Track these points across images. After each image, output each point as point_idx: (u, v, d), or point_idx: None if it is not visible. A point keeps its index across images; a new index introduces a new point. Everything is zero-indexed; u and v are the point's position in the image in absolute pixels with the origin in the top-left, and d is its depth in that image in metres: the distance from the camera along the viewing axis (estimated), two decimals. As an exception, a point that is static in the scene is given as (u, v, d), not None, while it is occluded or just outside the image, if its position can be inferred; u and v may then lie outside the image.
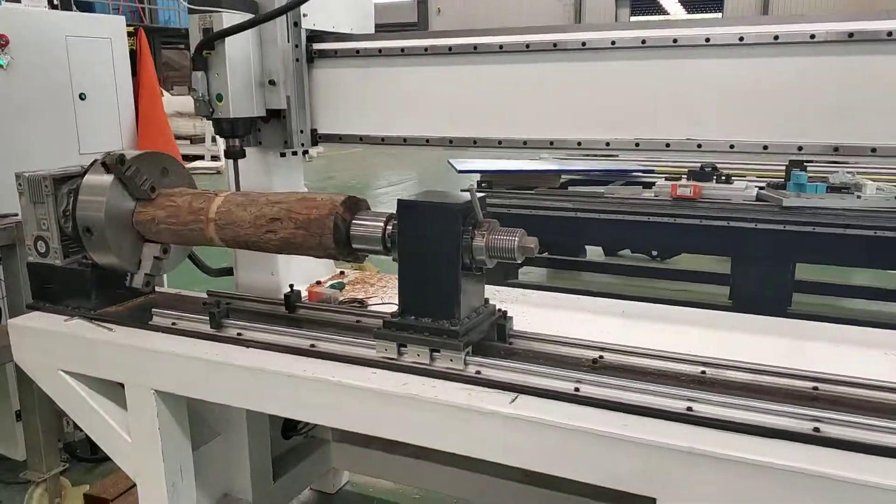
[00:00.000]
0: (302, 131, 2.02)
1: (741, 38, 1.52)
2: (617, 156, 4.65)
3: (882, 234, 3.64)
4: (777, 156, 1.57)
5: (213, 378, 1.74)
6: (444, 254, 1.56)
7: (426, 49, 1.83)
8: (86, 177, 1.97)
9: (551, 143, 1.73)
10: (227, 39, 1.80)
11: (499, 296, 2.17)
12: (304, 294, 2.15)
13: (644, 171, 4.75)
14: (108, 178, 1.91)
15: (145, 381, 1.85)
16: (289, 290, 1.98)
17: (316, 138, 2.06)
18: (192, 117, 13.12)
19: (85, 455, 2.93)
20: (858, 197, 3.80)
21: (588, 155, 4.92)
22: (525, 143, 1.77)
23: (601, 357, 1.65)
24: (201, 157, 12.90)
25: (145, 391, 1.86)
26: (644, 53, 1.60)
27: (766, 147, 1.56)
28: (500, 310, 1.77)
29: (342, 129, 2.04)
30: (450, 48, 1.80)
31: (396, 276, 1.63)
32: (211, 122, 1.93)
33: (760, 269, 3.87)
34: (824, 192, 3.83)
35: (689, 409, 1.39)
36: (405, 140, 1.93)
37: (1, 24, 2.33)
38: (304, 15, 1.94)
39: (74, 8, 3.08)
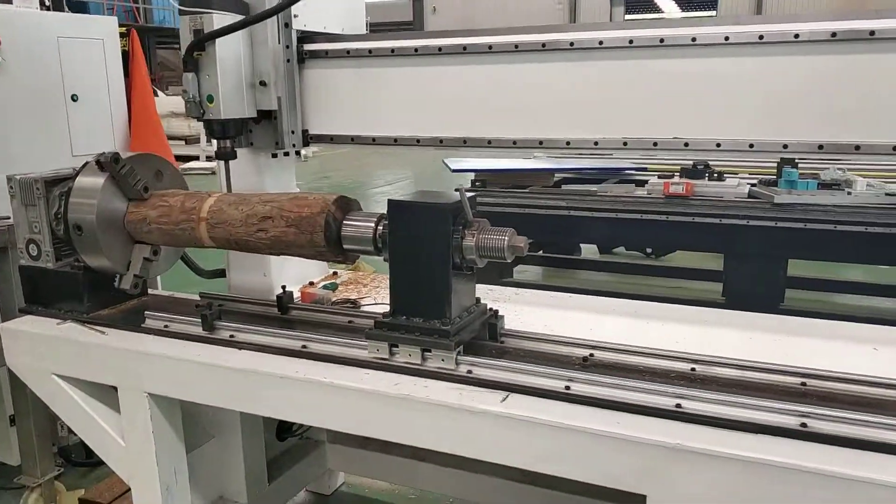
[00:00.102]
0: (293, 132, 2.03)
1: (727, 38, 1.53)
2: (611, 154, 4.67)
3: (872, 230, 3.67)
4: (763, 154, 1.58)
5: (206, 380, 1.74)
6: (435, 254, 1.56)
7: (416, 49, 1.84)
8: (77, 179, 1.97)
9: (540, 142, 1.74)
10: (217, 41, 1.81)
11: (491, 294, 2.19)
12: (297, 295, 2.15)
13: (637, 169, 4.78)
14: (99, 180, 1.91)
15: (138, 385, 1.85)
16: (281, 291, 1.98)
17: (307, 139, 2.07)
18: (187, 118, 13.08)
19: (80, 459, 2.93)
20: (849, 193, 3.84)
21: (580, 155, 4.94)
22: (515, 142, 1.78)
23: (592, 355, 1.66)
24: (196, 158, 12.89)
25: (138, 394, 1.86)
26: (631, 53, 1.61)
27: (751, 145, 1.58)
28: (491, 309, 1.78)
29: (333, 130, 2.05)
30: (440, 48, 1.80)
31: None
32: (202, 123, 1.93)
33: (753, 266, 3.89)
34: (815, 188, 3.86)
35: (679, 405, 1.40)
36: (396, 140, 1.94)
37: (-8, 25, 2.33)
38: (295, 16, 1.94)
39: (67, 9, 3.06)
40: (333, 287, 2.27)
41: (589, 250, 5.99)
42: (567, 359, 1.66)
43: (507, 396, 1.49)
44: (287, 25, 1.94)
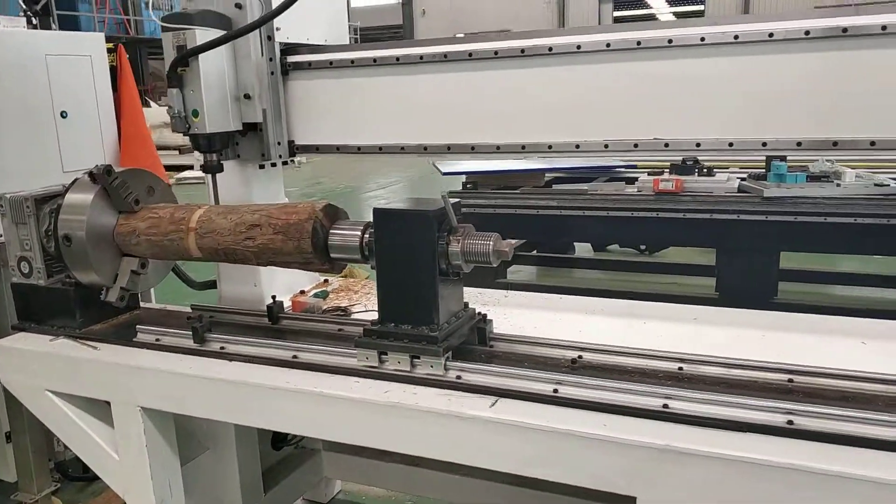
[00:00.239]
0: (279, 143, 2.04)
1: (702, 39, 1.55)
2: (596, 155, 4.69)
3: (862, 220, 3.69)
4: (742, 152, 1.59)
5: (197, 393, 1.75)
6: (421, 260, 1.58)
7: (398, 59, 1.85)
8: (67, 195, 1.98)
9: (523, 147, 1.76)
10: (200, 56, 1.82)
11: (481, 298, 2.19)
12: (288, 304, 2.16)
13: (627, 167, 4.79)
14: (88, 196, 1.92)
15: (131, 399, 1.86)
16: (271, 301, 1.99)
17: (293, 150, 2.08)
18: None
19: (77, 474, 2.93)
20: (838, 185, 3.85)
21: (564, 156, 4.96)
22: (498, 147, 1.79)
23: (580, 357, 1.67)
24: (190, 167, 12.87)
25: (131, 408, 1.86)
26: (609, 56, 1.62)
27: (731, 144, 1.59)
28: (479, 313, 1.79)
29: (319, 140, 2.06)
30: (421, 57, 1.82)
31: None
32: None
33: (745, 260, 3.91)
34: (804, 181, 3.88)
35: (666, 406, 1.41)
36: (381, 149, 1.95)
37: (-21, 46, 2.35)
38: (278, 29, 1.95)
39: (56, 23, 3.07)
40: (324, 295, 2.28)
41: (583, 248, 6.01)
42: (556, 361, 1.67)
43: (496, 401, 1.50)
44: (270, 38, 1.96)
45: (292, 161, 2.17)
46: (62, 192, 1.99)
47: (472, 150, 1.82)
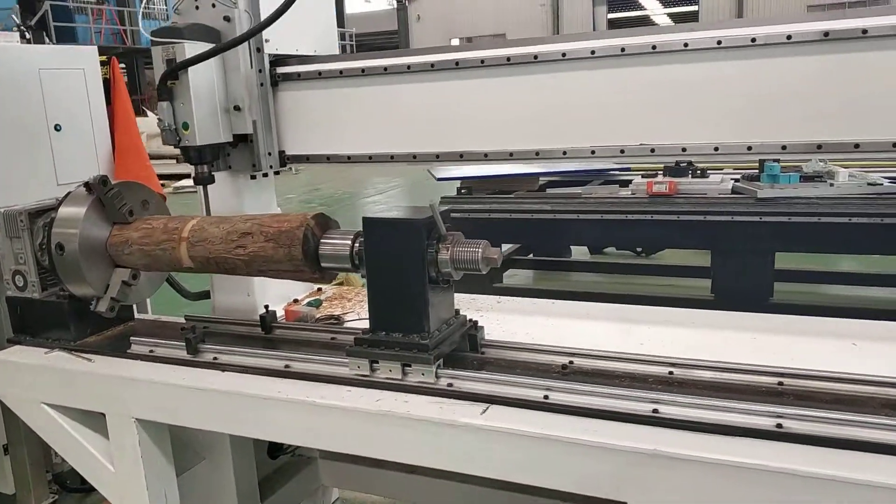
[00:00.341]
0: (270, 153, 2.05)
1: (686, 45, 1.56)
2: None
3: (856, 220, 3.70)
4: (728, 156, 1.61)
5: (191, 404, 1.76)
6: (411, 268, 1.58)
7: (385, 68, 1.87)
8: (60, 209, 1.99)
9: (511, 154, 1.77)
10: (190, 69, 1.84)
11: (474, 304, 2.21)
12: (281, 313, 2.17)
13: (621, 170, 4.81)
14: (81, 210, 1.93)
15: (125, 410, 1.86)
16: (264, 310, 2.00)
17: (284, 160, 2.09)
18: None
19: (75, 486, 2.93)
20: (831, 185, 3.87)
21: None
22: (486, 154, 1.81)
23: (571, 362, 1.67)
24: (188, 176, 12.87)
25: (126, 420, 1.87)
26: (594, 63, 1.64)
27: (716, 148, 1.61)
28: (471, 320, 1.79)
29: (309, 150, 2.07)
30: (408, 67, 1.83)
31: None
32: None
33: (740, 262, 3.93)
34: (798, 181, 3.90)
35: (655, 411, 1.41)
36: (370, 158, 1.97)
37: (-27, 62, 2.36)
38: (267, 40, 1.97)
39: (48, 40, 3.09)
40: (317, 304, 2.29)
41: (579, 251, 6.02)
42: (547, 367, 1.67)
43: (487, 408, 1.50)
44: (259, 50, 1.97)
45: (289, 168, 2.18)
46: (55, 205, 2.00)
47: (461, 157, 1.83)
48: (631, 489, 1.35)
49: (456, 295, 1.91)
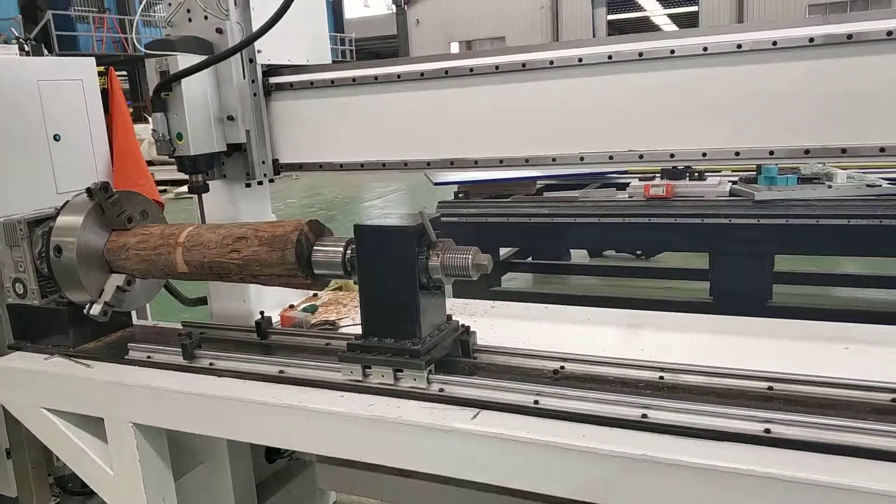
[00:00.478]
0: (264, 162, 2.08)
1: (672, 52, 1.57)
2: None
3: (855, 222, 3.70)
4: (716, 162, 1.62)
5: (187, 408, 1.78)
6: (402, 275, 1.60)
7: (376, 77, 1.89)
8: (58, 217, 2.02)
9: (501, 161, 1.79)
10: (183, 80, 1.86)
11: (468, 309, 2.22)
12: (277, 319, 2.19)
13: (619, 173, 4.82)
14: (79, 218, 1.96)
15: (123, 415, 1.89)
16: (260, 316, 2.02)
17: (278, 168, 2.12)
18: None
19: (76, 489, 2.95)
20: (829, 187, 3.87)
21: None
22: (476, 161, 1.82)
23: (562, 367, 1.69)
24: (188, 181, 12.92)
25: (124, 424, 1.89)
26: (582, 71, 1.66)
27: (704, 154, 1.62)
28: (463, 325, 1.81)
29: (303, 158, 2.10)
30: (398, 76, 1.85)
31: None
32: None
33: (738, 264, 3.93)
34: (795, 183, 3.90)
35: (645, 416, 1.42)
36: (363, 165, 1.99)
37: (-28, 74, 2.40)
38: (259, 51, 1.99)
39: (52, 49, 3.13)
40: (313, 309, 2.30)
41: (579, 254, 6.03)
42: (538, 372, 1.68)
43: (478, 413, 1.52)
44: (251, 61, 2.00)
45: (291, 174, 2.20)
46: (54, 214, 2.03)
47: (452, 164, 1.85)
48: (619, 494, 1.36)
49: (449, 300, 1.94)
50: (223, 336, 2.07)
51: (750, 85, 1.55)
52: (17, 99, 2.53)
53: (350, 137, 1.99)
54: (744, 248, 3.85)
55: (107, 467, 1.98)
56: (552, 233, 4.06)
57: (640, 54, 1.60)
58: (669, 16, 27.14)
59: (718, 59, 1.56)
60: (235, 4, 1.93)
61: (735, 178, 4.22)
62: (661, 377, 1.61)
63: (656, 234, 3.91)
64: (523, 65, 1.70)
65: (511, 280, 5.43)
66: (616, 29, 26.04)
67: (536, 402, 1.51)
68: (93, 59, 2.76)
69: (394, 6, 27.54)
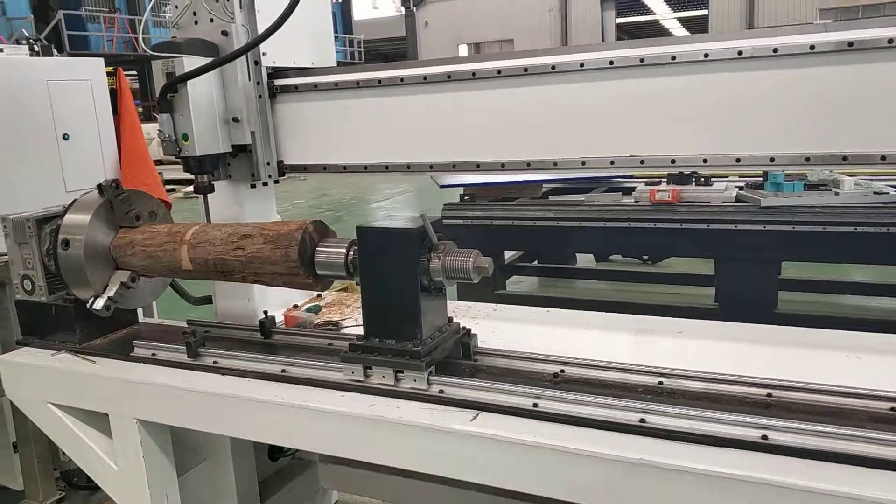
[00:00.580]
0: (268, 163, 2.10)
1: (673, 58, 1.58)
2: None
3: (862, 229, 3.68)
4: (717, 168, 1.63)
5: (190, 406, 1.80)
6: (404, 277, 1.61)
7: (380, 81, 1.91)
8: (66, 216, 2.05)
9: (503, 165, 1.80)
10: (189, 82, 1.89)
11: (470, 312, 2.23)
12: (281, 319, 2.21)
13: (624, 177, 4.81)
14: (86, 217, 1.99)
15: (127, 411, 1.91)
16: (263, 316, 2.04)
17: (283, 169, 2.14)
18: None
19: (82, 483, 2.99)
20: (836, 193, 3.85)
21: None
22: (478, 165, 1.84)
23: (563, 371, 1.69)
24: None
25: (128, 420, 1.92)
26: (584, 76, 1.67)
27: (705, 160, 1.62)
28: (464, 328, 1.82)
29: (307, 160, 2.12)
30: (402, 79, 1.87)
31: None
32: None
33: (743, 271, 3.91)
34: (802, 190, 3.88)
35: (643, 420, 1.43)
36: (366, 168, 2.01)
37: (-17, 74, 2.44)
38: (264, 53, 2.02)
39: (63, 48, 3.17)
40: (317, 310, 2.32)
41: (585, 258, 6.02)
42: (538, 375, 1.69)
43: (477, 415, 1.53)
44: (257, 63, 2.02)
45: (295, 175, 2.22)
46: (62, 212, 2.06)
47: (454, 167, 1.87)
48: (616, 497, 1.36)
49: (452, 302, 1.95)
50: (227, 335, 2.09)
51: (751, 91, 1.56)
52: (27, 98, 2.57)
53: (354, 140, 2.01)
54: (749, 255, 3.83)
55: (111, 462, 2.00)
56: (557, 236, 4.06)
57: (642, 60, 1.61)
58: (679, 19, 27.04)
59: (719, 66, 1.57)
60: (241, 7, 1.95)
61: (741, 184, 4.21)
62: (661, 382, 1.61)
63: (662, 239, 3.91)
64: (525, 69, 1.71)
65: (516, 283, 5.42)
66: (625, 32, 25.96)
67: (536, 404, 1.52)
68: (101, 59, 2.81)
69: (402, 8, 27.61)
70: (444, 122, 1.86)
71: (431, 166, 1.90)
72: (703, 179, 4.14)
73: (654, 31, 26.99)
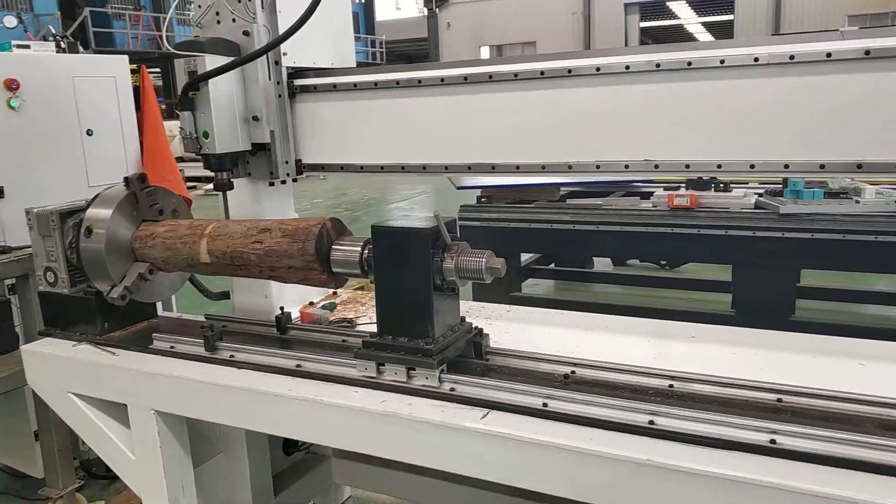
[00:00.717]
0: (287, 162, 2.13)
1: (689, 63, 1.59)
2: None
3: (883, 238, 3.63)
4: (730, 173, 1.63)
5: (207, 398, 1.84)
6: (417, 276, 1.63)
7: (398, 82, 1.93)
8: (88, 210, 2.10)
9: (518, 167, 1.82)
10: (210, 80, 1.93)
11: (483, 312, 2.25)
12: (297, 315, 2.24)
13: (643, 182, 4.79)
14: (108, 211, 2.04)
15: (146, 402, 1.96)
16: (280, 311, 2.08)
17: (301, 168, 2.17)
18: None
19: (100, 472, 3.06)
20: (857, 202, 3.80)
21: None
22: (493, 167, 1.85)
23: (573, 372, 1.70)
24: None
25: (146, 411, 1.96)
26: (600, 80, 1.67)
27: (719, 165, 1.62)
28: (476, 327, 1.83)
29: (325, 159, 2.15)
30: (419, 81, 1.89)
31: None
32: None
33: (761, 277, 3.88)
34: (822, 197, 3.84)
35: (652, 422, 1.43)
36: (383, 168, 2.03)
37: (12, 70, 2.51)
38: (284, 53, 2.05)
39: (88, 45, 3.25)
40: (332, 307, 2.35)
41: (602, 262, 5.99)
42: (549, 376, 1.70)
43: (488, 413, 1.55)
44: (277, 63, 2.06)
45: (315, 174, 2.26)
46: (84, 206, 2.11)
47: (469, 169, 1.88)
48: (623, 498, 1.37)
49: (466, 302, 1.96)
50: (244, 329, 2.13)
51: (766, 98, 1.56)
52: (53, 95, 2.65)
53: (371, 140, 2.04)
54: (767, 262, 3.80)
55: (129, 452, 2.05)
56: (574, 240, 4.05)
57: (658, 65, 1.61)
58: (704, 24, 26.76)
59: (735, 72, 1.57)
60: (262, 7, 1.99)
61: (761, 191, 4.17)
62: (671, 385, 1.62)
63: (679, 244, 3.88)
64: (542, 73, 1.72)
65: (532, 286, 5.42)
66: (649, 36, 25.77)
67: (545, 404, 1.53)
68: (125, 56, 2.87)
69: (425, 9, 27.70)
70: (460, 124, 1.88)
71: (447, 167, 1.92)
72: (721, 185, 4.11)
73: (679, 35, 26.72)
